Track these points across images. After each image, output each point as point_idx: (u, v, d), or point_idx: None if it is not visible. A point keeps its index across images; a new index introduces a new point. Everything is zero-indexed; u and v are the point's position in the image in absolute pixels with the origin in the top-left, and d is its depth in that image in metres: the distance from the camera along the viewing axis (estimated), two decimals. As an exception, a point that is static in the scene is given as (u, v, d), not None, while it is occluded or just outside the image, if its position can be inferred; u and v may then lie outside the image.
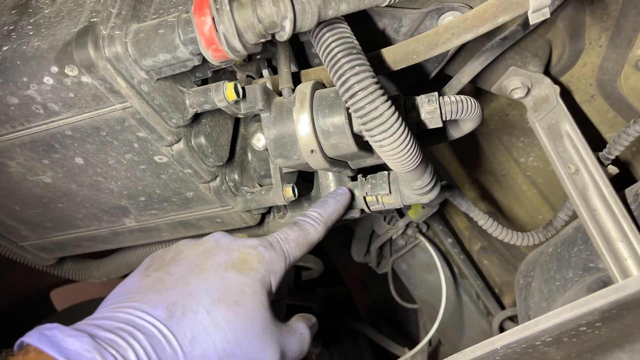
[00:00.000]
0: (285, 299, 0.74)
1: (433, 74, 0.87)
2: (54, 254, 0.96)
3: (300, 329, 0.63)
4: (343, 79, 0.57)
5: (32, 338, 0.46)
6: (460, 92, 0.87)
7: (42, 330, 0.47)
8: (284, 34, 0.54)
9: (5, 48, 0.59)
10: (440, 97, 0.67)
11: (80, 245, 0.91)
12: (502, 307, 1.37)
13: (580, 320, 0.53)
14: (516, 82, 0.89)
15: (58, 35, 0.57)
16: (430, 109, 0.67)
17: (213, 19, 0.52)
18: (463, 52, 0.88)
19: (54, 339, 0.46)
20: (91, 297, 1.60)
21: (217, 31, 0.52)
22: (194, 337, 0.52)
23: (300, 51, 0.82)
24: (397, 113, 0.57)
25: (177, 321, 0.52)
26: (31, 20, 0.61)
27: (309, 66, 0.81)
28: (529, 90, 0.90)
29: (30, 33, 0.59)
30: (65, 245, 0.91)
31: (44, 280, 1.51)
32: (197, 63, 0.57)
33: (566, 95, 0.99)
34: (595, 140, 1.04)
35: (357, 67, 0.57)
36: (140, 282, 0.57)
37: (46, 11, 0.61)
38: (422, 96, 0.68)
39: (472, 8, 0.74)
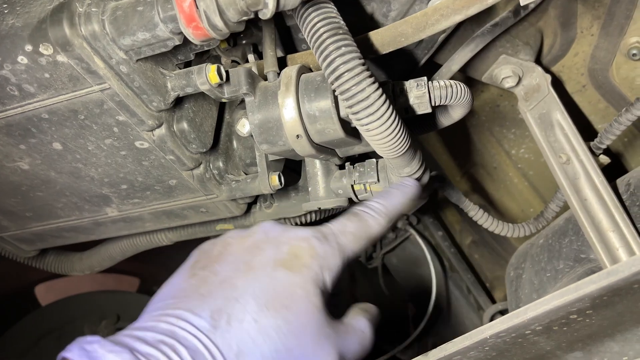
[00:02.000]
0: (341, 294, 0.68)
1: (423, 61, 0.85)
2: (34, 246, 0.93)
3: (360, 326, 0.57)
4: (329, 59, 0.55)
5: (72, 353, 0.43)
6: (450, 81, 0.85)
7: (83, 344, 0.44)
8: (267, 12, 0.52)
9: (-22, 27, 0.57)
10: (430, 82, 0.66)
11: (62, 236, 0.89)
12: (493, 301, 1.36)
13: (571, 307, 0.52)
14: (507, 70, 0.88)
15: (33, 12, 0.55)
16: (419, 93, 0.65)
17: (193, -5, 0.50)
18: (453, 39, 0.86)
19: (94, 354, 0.43)
20: (76, 292, 1.58)
21: (197, 8, 0.50)
22: (241, 350, 0.47)
23: (287, 36, 0.80)
24: (384, 96, 0.56)
25: (222, 332, 0.47)
26: (5, -1, 0.59)
27: (296, 51, 0.80)
28: (520, 80, 0.89)
29: (5, 11, 0.57)
30: (46, 236, 0.89)
31: (27, 275, 1.49)
32: (177, 42, 0.55)
33: (557, 86, 0.98)
34: (587, 131, 1.03)
35: (343, 48, 0.55)
36: (185, 282, 0.53)
37: (21, -11, 0.59)
38: (411, 81, 0.66)
39: (462, -8, 0.73)
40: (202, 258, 0.56)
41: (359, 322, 0.57)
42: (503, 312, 1.26)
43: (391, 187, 0.67)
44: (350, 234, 0.57)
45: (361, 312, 0.59)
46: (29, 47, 0.54)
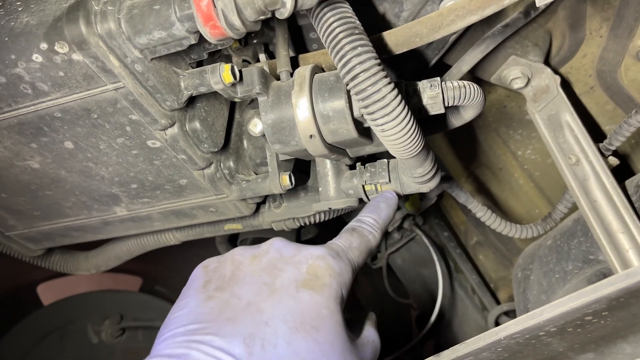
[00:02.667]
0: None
1: (433, 62, 0.85)
2: (41, 245, 0.93)
3: (371, 337, 0.60)
4: (345, 60, 0.55)
5: None
6: (459, 82, 0.85)
7: None
8: (285, 11, 0.52)
9: (-8, 25, 0.57)
10: (443, 82, 0.66)
11: (69, 235, 0.88)
12: (498, 302, 1.36)
13: (587, 309, 0.52)
14: (516, 71, 0.88)
15: (48, 10, 0.55)
16: (432, 94, 0.65)
17: (211, -7, 0.50)
18: (463, 40, 0.86)
19: None
20: (78, 291, 1.57)
21: (215, 7, 0.50)
22: None
23: (298, 36, 0.80)
24: (400, 96, 0.56)
25: (257, 358, 0.47)
26: (20, -4, 0.58)
27: (306, 52, 0.79)
28: (529, 81, 0.89)
29: (19, 9, 0.57)
30: (53, 235, 0.89)
31: (30, 275, 1.49)
32: (193, 41, 0.55)
33: (565, 87, 0.98)
34: (594, 132, 1.03)
35: (359, 48, 0.55)
36: (204, 305, 0.52)
37: (35, -14, 0.59)
38: (424, 81, 0.66)
39: (474, -7, 0.73)
40: (214, 278, 0.55)
41: (370, 333, 0.60)
42: (507, 313, 1.26)
43: (375, 200, 0.69)
44: (357, 249, 0.60)
45: (368, 323, 0.62)
46: (44, 45, 0.54)
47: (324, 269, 0.54)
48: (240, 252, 0.57)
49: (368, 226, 0.64)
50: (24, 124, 0.63)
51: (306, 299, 0.52)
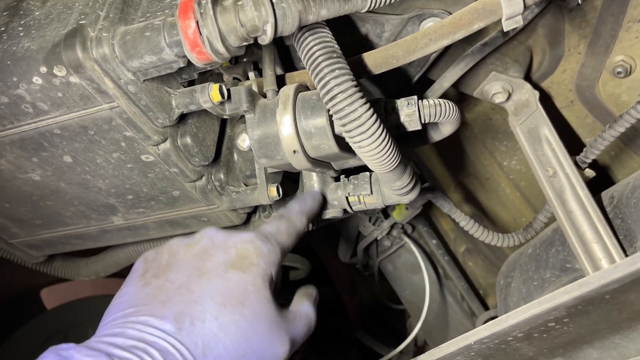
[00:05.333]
0: (279, 285, 0.75)
1: (415, 78, 0.89)
2: (43, 252, 0.97)
3: (305, 310, 0.64)
4: (324, 82, 0.59)
5: (48, 358, 0.47)
6: (443, 96, 0.89)
7: (59, 350, 0.48)
8: (266, 38, 0.56)
9: (-4, 48, 0.61)
10: (420, 101, 0.69)
11: (69, 242, 0.92)
12: (486, 308, 1.39)
13: (548, 315, 0.55)
14: (497, 87, 0.92)
15: (47, 36, 0.59)
16: (409, 111, 0.69)
17: (197, 22, 0.54)
18: (445, 57, 0.90)
19: (70, 359, 0.46)
20: (81, 296, 1.61)
21: (200, 34, 0.54)
22: (206, 345, 0.52)
23: (286, 54, 0.84)
24: (375, 115, 0.59)
25: (187, 332, 0.52)
26: (22, 22, 0.63)
27: (294, 69, 0.83)
28: (509, 95, 0.92)
29: (21, 34, 0.61)
30: (54, 243, 0.93)
31: (33, 280, 1.52)
32: (182, 65, 0.59)
33: (547, 100, 1.02)
34: (575, 144, 1.06)
35: (337, 71, 0.59)
36: (140, 291, 0.57)
37: (36, 13, 0.63)
38: (402, 99, 0.70)
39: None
40: (151, 267, 0.60)
41: (304, 307, 0.64)
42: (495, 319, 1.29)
43: (301, 195, 0.77)
44: (284, 232, 0.66)
45: (304, 296, 0.66)
46: (43, 69, 0.58)
47: (251, 251, 0.60)
48: (176, 242, 0.63)
49: (294, 212, 0.70)
50: (25, 140, 0.68)
51: (234, 278, 0.57)
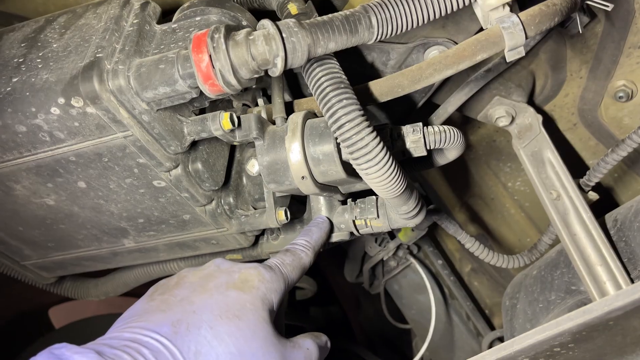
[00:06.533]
0: (283, 319, 0.76)
1: (421, 103, 0.91)
2: (54, 273, 0.99)
3: (306, 345, 0.65)
4: (331, 111, 0.61)
5: (41, 357, 0.49)
6: (448, 120, 0.91)
7: (52, 349, 0.50)
8: (276, 70, 0.58)
9: (15, 79, 0.64)
10: (425, 127, 0.71)
11: (80, 264, 0.94)
12: (492, 328, 1.39)
13: (553, 341, 0.56)
14: (501, 111, 0.93)
15: (65, 69, 0.61)
16: (414, 138, 0.71)
17: (210, 56, 0.56)
18: (449, 82, 0.92)
19: (62, 356, 0.48)
20: (89, 314, 1.62)
21: (213, 67, 0.56)
22: (198, 351, 0.54)
23: (293, 81, 0.86)
24: (382, 143, 0.61)
25: (181, 336, 0.54)
26: (40, 54, 0.65)
27: (301, 95, 0.85)
28: (513, 119, 0.94)
29: (39, 66, 0.64)
30: (66, 265, 0.94)
31: (42, 298, 1.54)
32: (194, 95, 0.61)
33: (550, 123, 1.03)
34: (578, 167, 1.08)
35: (344, 101, 0.60)
36: (145, 305, 0.60)
37: (54, 45, 0.66)
38: (408, 126, 0.72)
39: (455, 43, 0.79)
40: (160, 288, 0.63)
41: (306, 342, 0.65)
42: (501, 339, 1.29)
43: (309, 225, 0.78)
44: (289, 265, 0.68)
45: (309, 336, 0.67)
46: (61, 100, 0.60)
47: (254, 275, 0.62)
48: (186, 269, 0.66)
49: (300, 246, 0.72)
50: (41, 167, 0.70)
51: (233, 295, 0.59)
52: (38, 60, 0.65)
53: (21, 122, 0.63)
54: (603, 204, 0.93)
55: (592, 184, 0.89)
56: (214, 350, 0.55)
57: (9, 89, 0.63)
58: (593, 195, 0.89)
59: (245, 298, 0.59)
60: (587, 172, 0.88)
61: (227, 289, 0.60)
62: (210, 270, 0.64)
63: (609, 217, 0.87)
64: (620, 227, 0.84)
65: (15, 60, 0.66)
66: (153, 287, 0.65)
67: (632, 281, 0.78)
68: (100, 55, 0.61)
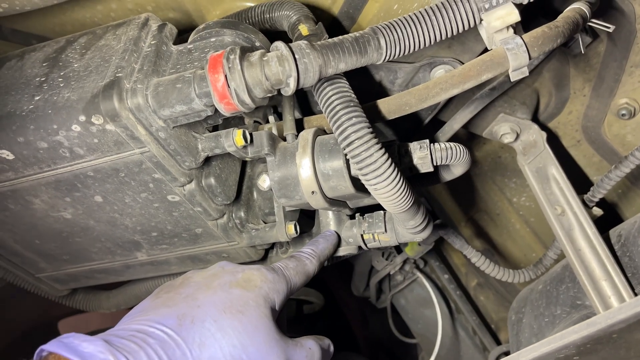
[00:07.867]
0: (285, 321, 0.78)
1: (427, 120, 0.93)
2: (67, 285, 1.01)
3: (308, 345, 0.66)
4: (341, 128, 0.63)
5: (50, 345, 0.52)
6: (453, 137, 0.93)
7: (60, 338, 0.53)
8: (289, 90, 0.60)
9: (37, 98, 0.66)
10: (431, 144, 0.73)
11: (93, 277, 0.96)
12: (498, 343, 1.39)
13: (558, 353, 0.57)
14: (505, 128, 0.95)
15: (86, 87, 0.64)
16: (421, 155, 0.73)
17: (226, 76, 0.58)
18: (455, 100, 0.94)
19: (70, 344, 0.51)
20: (97, 327, 1.63)
21: (229, 87, 0.59)
22: (202, 342, 0.56)
23: (303, 99, 0.89)
24: (390, 160, 0.63)
25: (186, 328, 0.57)
26: (61, 73, 0.68)
27: (311, 113, 0.88)
28: (517, 136, 0.96)
29: (61, 85, 0.66)
30: (79, 277, 0.96)
31: (51, 311, 1.55)
32: (210, 113, 0.63)
33: (554, 140, 1.05)
34: (583, 182, 1.09)
35: (354, 119, 0.63)
36: (152, 302, 0.62)
37: (75, 65, 0.68)
38: (415, 143, 0.74)
39: (461, 62, 0.81)
40: (165, 287, 0.66)
41: (309, 342, 0.67)
42: (507, 354, 1.30)
43: (317, 237, 0.80)
44: (293, 269, 0.70)
45: (312, 337, 0.69)
46: (82, 117, 0.63)
47: (256, 275, 0.64)
48: (192, 271, 0.68)
49: (305, 254, 0.74)
50: (60, 182, 0.72)
51: (236, 292, 0.62)
52: (60, 80, 0.67)
53: (43, 139, 0.66)
54: (607, 219, 0.94)
55: (596, 199, 0.90)
56: (217, 343, 0.57)
57: (32, 106, 0.66)
58: (597, 211, 0.91)
59: (248, 295, 0.61)
60: (591, 188, 0.89)
61: (231, 287, 0.62)
62: (214, 270, 0.67)
63: (613, 233, 0.88)
64: (624, 243, 0.85)
65: (38, 79, 0.69)
66: (159, 287, 0.67)
67: (636, 295, 0.80)
68: (120, 75, 0.63)
